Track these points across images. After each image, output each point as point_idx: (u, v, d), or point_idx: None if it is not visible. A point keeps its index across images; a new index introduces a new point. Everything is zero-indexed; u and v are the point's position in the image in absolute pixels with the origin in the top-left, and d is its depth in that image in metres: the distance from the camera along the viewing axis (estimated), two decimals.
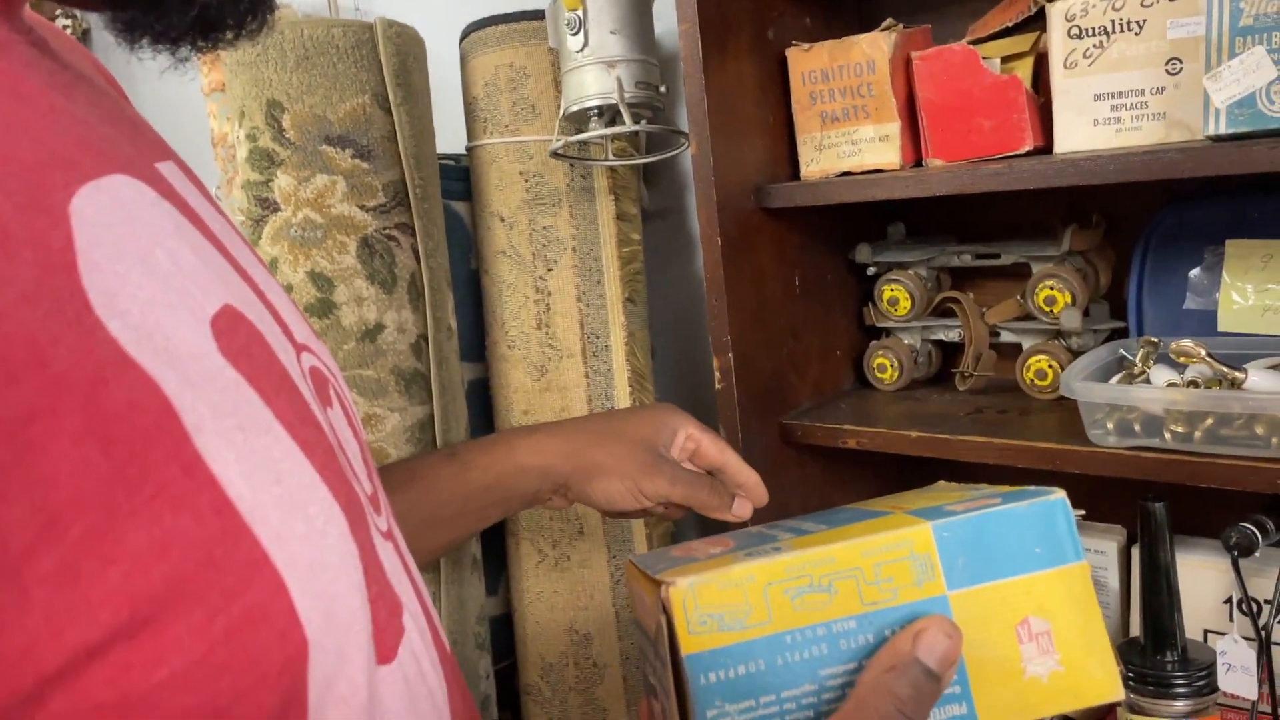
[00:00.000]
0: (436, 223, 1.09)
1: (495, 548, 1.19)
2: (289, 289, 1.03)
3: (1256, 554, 0.75)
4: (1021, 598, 0.39)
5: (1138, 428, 0.73)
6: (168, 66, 0.35)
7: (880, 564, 0.39)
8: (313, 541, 0.28)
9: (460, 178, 1.18)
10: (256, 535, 0.26)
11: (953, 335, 0.98)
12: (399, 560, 0.36)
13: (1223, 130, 0.66)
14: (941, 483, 0.51)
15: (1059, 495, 0.40)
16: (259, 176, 1.04)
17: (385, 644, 0.32)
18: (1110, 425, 0.74)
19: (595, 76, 0.96)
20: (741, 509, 0.76)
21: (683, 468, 0.74)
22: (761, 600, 0.38)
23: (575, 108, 0.98)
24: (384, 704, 0.31)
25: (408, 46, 1.05)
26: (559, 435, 0.72)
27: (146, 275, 0.26)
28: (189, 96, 1.56)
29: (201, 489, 0.25)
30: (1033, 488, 0.42)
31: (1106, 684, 0.40)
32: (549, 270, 1.11)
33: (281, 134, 1.02)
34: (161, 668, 0.24)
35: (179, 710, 0.24)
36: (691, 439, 0.76)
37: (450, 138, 1.19)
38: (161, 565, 0.24)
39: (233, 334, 0.28)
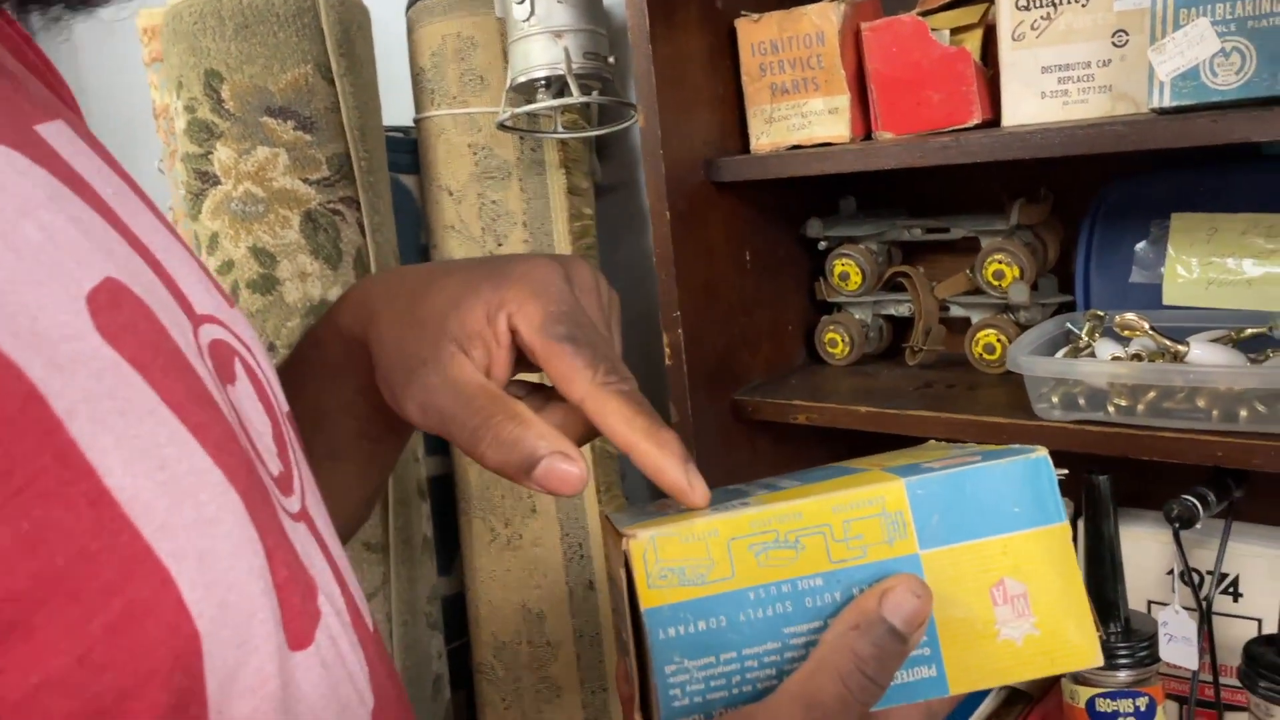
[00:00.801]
0: (383, 196, 1.07)
1: (448, 527, 1.18)
2: (229, 265, 1.01)
3: (1198, 525, 0.75)
4: (997, 558, 0.38)
5: (1082, 401, 0.73)
6: (39, 28, 0.33)
7: (850, 520, 0.37)
8: (202, 529, 0.26)
9: (408, 150, 1.16)
10: (137, 527, 0.25)
11: (903, 310, 0.98)
12: (313, 540, 0.34)
13: (1167, 103, 0.66)
14: (931, 441, 0.50)
15: (1041, 453, 0.39)
16: (198, 149, 1.01)
17: (299, 630, 0.30)
18: (1055, 399, 0.75)
19: (542, 46, 0.94)
20: (557, 470, 0.38)
21: (448, 382, 0.40)
22: (725, 555, 0.37)
23: (522, 79, 0.96)
24: (299, 690, 0.30)
25: (351, 15, 1.02)
26: (384, 301, 0.44)
27: (9, 251, 0.25)
28: (134, 67, 1.52)
29: (77, 479, 0.24)
30: (1016, 445, 0.40)
31: (1084, 649, 0.38)
32: (499, 245, 1.09)
33: (220, 105, 0.99)
34: (36, 671, 0.23)
35: (60, 713, 0.23)
36: (505, 320, 0.41)
37: (398, 109, 1.17)
38: (30, 562, 0.23)
39: (113, 309, 0.27)
